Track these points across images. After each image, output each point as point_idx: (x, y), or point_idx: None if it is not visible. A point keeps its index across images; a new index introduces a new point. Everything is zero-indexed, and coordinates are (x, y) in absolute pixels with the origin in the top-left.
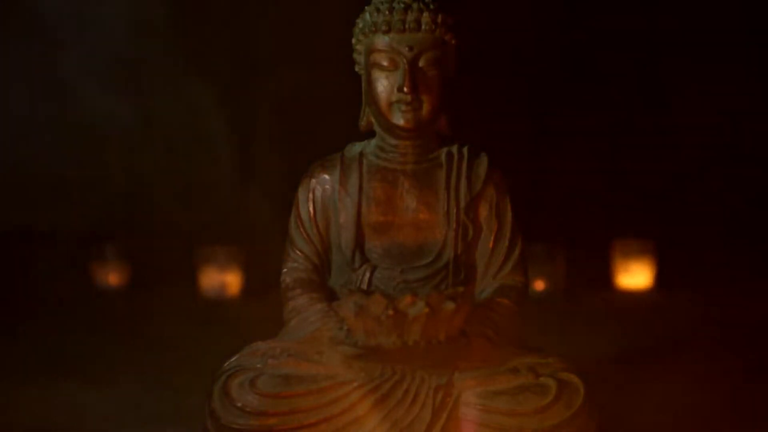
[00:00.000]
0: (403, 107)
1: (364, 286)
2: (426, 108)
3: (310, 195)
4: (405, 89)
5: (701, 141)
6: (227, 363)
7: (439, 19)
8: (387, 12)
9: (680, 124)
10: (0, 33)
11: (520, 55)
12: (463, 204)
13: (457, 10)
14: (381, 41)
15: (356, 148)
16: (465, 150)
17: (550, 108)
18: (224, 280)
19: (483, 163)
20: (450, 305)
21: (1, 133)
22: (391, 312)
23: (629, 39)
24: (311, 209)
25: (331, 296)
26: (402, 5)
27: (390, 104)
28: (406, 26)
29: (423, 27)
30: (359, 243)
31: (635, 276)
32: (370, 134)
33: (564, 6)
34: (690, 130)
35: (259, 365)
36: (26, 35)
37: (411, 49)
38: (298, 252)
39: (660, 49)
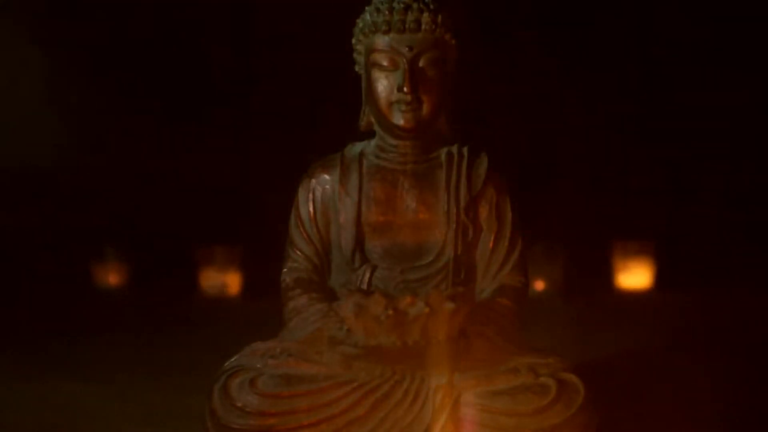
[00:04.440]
0: (403, 107)
1: (364, 286)
2: (426, 108)
3: (310, 195)
4: (405, 89)
5: (702, 141)
6: (227, 363)
7: (439, 19)
8: (387, 12)
9: (681, 125)
10: None
11: (521, 54)
12: (463, 204)
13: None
14: (381, 41)
15: (356, 148)
16: (465, 150)
17: (551, 108)
18: (224, 280)
19: (483, 163)
20: (450, 305)
21: (1, 133)
22: (391, 312)
23: (633, 40)
24: (311, 209)
25: (331, 296)
26: (402, 5)
27: (390, 104)
28: (406, 26)
29: (423, 27)
30: (359, 243)
31: (635, 276)
32: (370, 134)
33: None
34: (691, 130)
35: (259, 365)
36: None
37: (411, 49)
38: (298, 252)
39: (663, 50)
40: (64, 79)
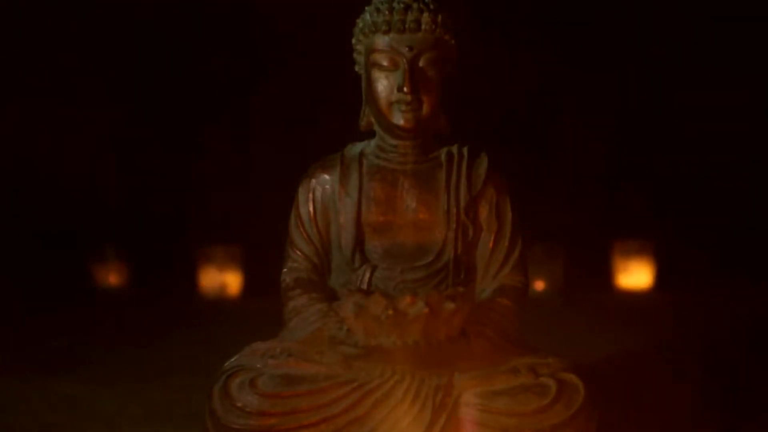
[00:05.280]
0: (403, 107)
1: (364, 286)
2: (426, 108)
3: (310, 195)
4: (405, 89)
5: (702, 142)
6: (227, 363)
7: (439, 19)
8: (387, 12)
9: (682, 126)
10: None
11: (521, 54)
12: (463, 204)
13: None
14: (381, 41)
15: (356, 148)
16: (465, 150)
17: (551, 108)
18: (224, 280)
19: (483, 163)
20: (450, 305)
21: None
22: (391, 312)
23: (633, 40)
24: (311, 209)
25: (331, 296)
26: (402, 5)
27: (390, 104)
28: (406, 26)
29: (423, 27)
30: (359, 243)
31: (635, 276)
32: (370, 134)
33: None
34: (691, 131)
35: (259, 365)
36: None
37: (411, 49)
38: (298, 252)
39: (663, 50)
40: (64, 79)
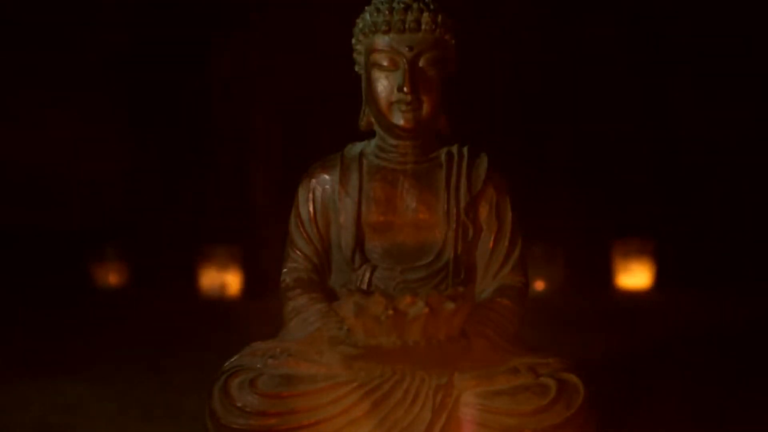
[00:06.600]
0: (403, 107)
1: (364, 286)
2: (426, 108)
3: (310, 195)
4: (405, 89)
5: (703, 142)
6: (227, 363)
7: (439, 19)
8: (387, 12)
9: (682, 126)
10: None
11: (521, 53)
12: (463, 204)
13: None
14: (381, 41)
15: (356, 148)
16: (465, 150)
17: (550, 108)
18: (224, 280)
19: (483, 163)
20: (450, 305)
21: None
22: (391, 312)
23: (632, 43)
24: (311, 209)
25: (331, 296)
26: (402, 5)
27: (390, 104)
28: (406, 26)
29: (423, 27)
30: (359, 243)
31: (635, 276)
32: (370, 134)
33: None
34: (692, 131)
35: (259, 365)
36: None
37: (411, 49)
38: (298, 252)
39: (663, 52)
40: (66, 81)
